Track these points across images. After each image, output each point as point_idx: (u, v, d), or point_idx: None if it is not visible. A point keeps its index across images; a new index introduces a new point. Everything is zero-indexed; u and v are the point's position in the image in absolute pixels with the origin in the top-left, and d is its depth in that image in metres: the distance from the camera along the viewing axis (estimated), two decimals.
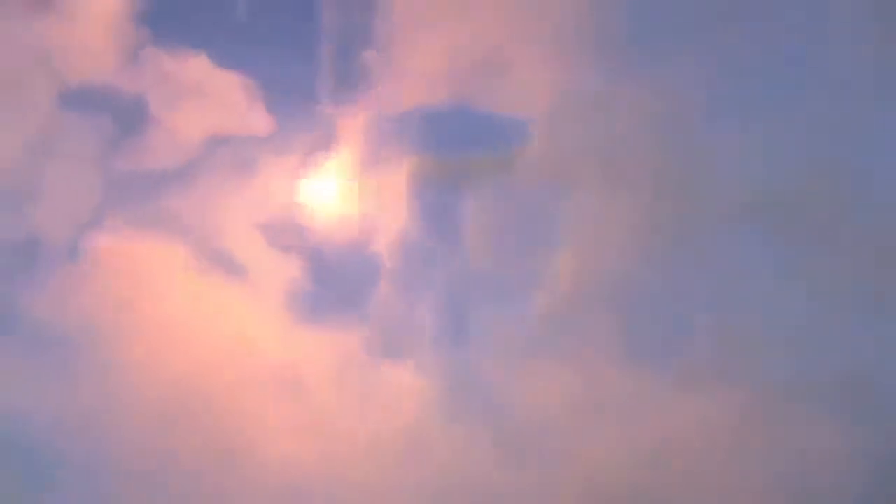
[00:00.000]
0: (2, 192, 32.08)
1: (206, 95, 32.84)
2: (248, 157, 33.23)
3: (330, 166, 33.40)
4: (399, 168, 33.16)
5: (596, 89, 32.57)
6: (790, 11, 32.35)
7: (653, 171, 32.39)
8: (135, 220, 32.64)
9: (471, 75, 32.93)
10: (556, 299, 32.08)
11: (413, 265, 32.93)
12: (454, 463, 31.41)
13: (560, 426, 31.37)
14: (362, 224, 33.40)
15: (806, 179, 31.75)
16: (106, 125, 32.64)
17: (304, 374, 32.40)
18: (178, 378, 31.70)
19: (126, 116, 32.66)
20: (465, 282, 32.82)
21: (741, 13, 32.54)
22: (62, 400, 31.32)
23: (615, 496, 30.64)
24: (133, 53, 32.39)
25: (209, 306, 32.54)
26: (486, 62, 32.91)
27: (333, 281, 33.30)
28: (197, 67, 32.78)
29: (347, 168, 33.33)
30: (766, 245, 32.04)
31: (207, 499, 31.17)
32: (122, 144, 32.72)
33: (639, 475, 30.67)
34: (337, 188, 33.49)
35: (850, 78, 32.07)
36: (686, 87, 32.21)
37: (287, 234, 33.44)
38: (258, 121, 33.02)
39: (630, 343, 31.72)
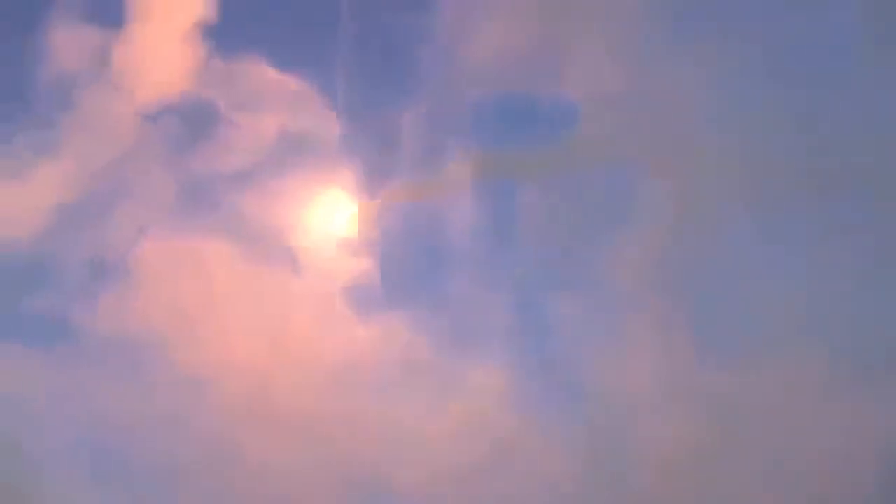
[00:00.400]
0: (76, 208, 33.24)
1: (272, 100, 33.79)
2: (313, 157, 34.07)
3: (393, 164, 34.05)
4: (462, 162, 33.70)
5: (646, 75, 33.00)
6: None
7: (710, 154, 32.61)
8: (202, 224, 33.61)
9: (525, 66, 33.48)
10: (623, 286, 32.40)
11: (480, 258, 33.30)
12: (533, 454, 31.78)
13: (633, 411, 31.66)
14: (428, 220, 34.01)
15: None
16: (177, 135, 33.83)
17: (371, 370, 32.92)
18: (246, 376, 32.36)
19: (195, 125, 33.80)
20: (531, 272, 33.19)
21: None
22: (133, 403, 32.14)
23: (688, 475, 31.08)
24: (202, 66, 33.44)
25: (275, 305, 33.26)
26: (539, 53, 33.48)
27: (401, 277, 33.76)
28: (262, 74, 33.75)
29: (410, 165, 33.93)
30: (826, 227, 32.29)
31: (274, 492, 31.78)
32: (192, 152, 33.76)
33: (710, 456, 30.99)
34: (401, 185, 34.08)
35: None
36: (728, 69, 32.66)
37: (352, 232, 34.16)
38: (323, 122, 33.83)
39: (697, 325, 31.94)
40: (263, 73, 33.64)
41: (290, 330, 33.00)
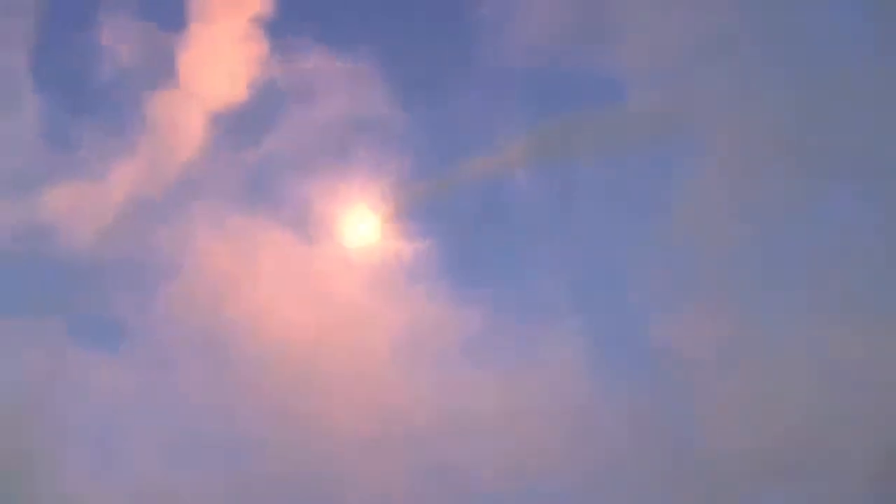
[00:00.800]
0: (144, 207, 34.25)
1: (331, 86, 34.58)
2: (373, 139, 34.78)
3: (450, 143, 34.74)
4: (517, 139, 34.23)
5: (699, 43, 33.14)
6: None
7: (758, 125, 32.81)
8: (265, 214, 34.51)
9: (574, 39, 33.87)
10: (685, 252, 32.43)
11: (540, 231, 33.76)
12: (600, 420, 31.85)
13: (700, 373, 31.53)
14: (484, 197, 34.58)
15: None
16: (242, 130, 34.65)
17: (438, 345, 33.31)
18: (309, 353, 33.03)
19: (259, 118, 34.61)
20: (591, 244, 33.61)
21: None
22: (208, 387, 32.92)
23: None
24: (263, 60, 34.53)
25: (337, 286, 34.09)
26: (587, 24, 33.92)
27: (461, 253, 34.32)
28: (320, 61, 34.65)
29: (466, 144, 34.57)
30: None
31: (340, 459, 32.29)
32: (257, 145, 34.71)
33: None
34: (458, 164, 34.75)
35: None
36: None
37: (411, 211, 34.83)
38: (381, 104, 34.57)
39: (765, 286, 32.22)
40: (322, 61, 34.57)
41: (353, 307, 33.76)
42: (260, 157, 34.49)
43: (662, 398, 31.77)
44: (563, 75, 34.49)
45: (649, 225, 32.86)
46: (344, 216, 34.50)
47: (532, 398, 32.20)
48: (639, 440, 31.53)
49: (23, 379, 32.24)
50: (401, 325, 33.35)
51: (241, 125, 34.31)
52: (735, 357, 31.68)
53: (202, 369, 33.02)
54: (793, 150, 32.41)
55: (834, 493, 29.63)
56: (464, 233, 34.18)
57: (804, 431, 30.34)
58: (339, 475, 32.17)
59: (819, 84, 32.37)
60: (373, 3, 35.24)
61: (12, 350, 32.26)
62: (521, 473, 31.70)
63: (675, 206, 32.89)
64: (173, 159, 33.98)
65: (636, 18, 33.54)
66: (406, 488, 31.92)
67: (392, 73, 34.30)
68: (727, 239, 32.35)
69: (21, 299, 32.75)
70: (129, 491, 31.77)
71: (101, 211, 33.64)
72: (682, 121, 33.35)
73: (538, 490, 31.60)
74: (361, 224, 34.50)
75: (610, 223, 33.49)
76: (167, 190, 33.95)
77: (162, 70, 34.09)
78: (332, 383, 32.71)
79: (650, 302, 32.25)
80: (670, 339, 31.77)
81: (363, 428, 32.24)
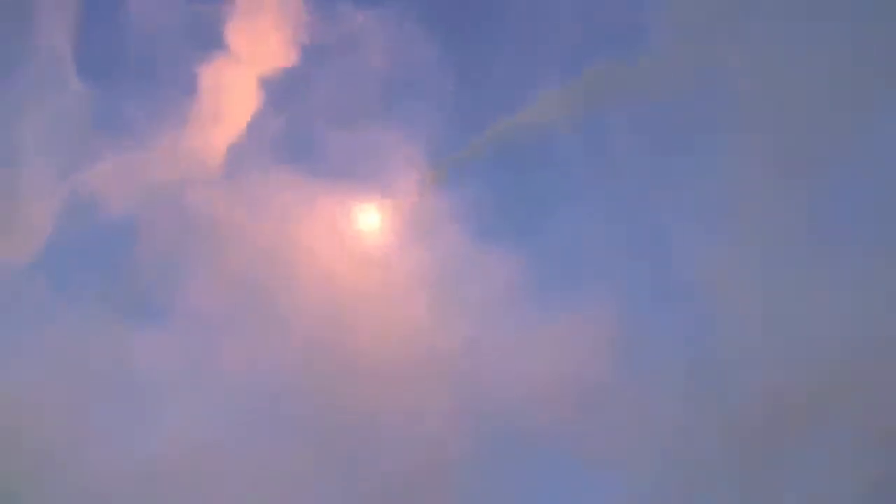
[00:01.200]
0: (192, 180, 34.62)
1: (370, 47, 34.92)
2: (411, 98, 35.15)
3: (489, 97, 35.02)
4: (555, 93, 34.28)
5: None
6: None
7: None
8: (304, 173, 35.07)
9: None
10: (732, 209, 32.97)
11: (579, 187, 34.29)
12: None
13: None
14: (525, 152, 35.09)
15: None
16: (287, 97, 35.09)
17: (470, 294, 34.35)
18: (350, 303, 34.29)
19: (302, 84, 34.92)
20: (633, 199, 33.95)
21: None
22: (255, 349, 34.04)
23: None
24: (302, 24, 34.77)
25: (378, 244, 35.19)
26: None
27: (502, 210, 34.94)
28: (356, 20, 35.04)
29: (507, 97, 34.69)
30: None
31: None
32: (301, 108, 35.12)
33: None
34: (498, 119, 34.98)
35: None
36: None
37: (450, 166, 35.33)
38: (418, 63, 34.90)
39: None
40: (361, 19, 34.96)
41: (394, 262, 34.87)
42: (303, 117, 35.02)
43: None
44: (601, 24, 34.39)
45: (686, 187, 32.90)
46: (385, 172, 35.21)
47: (560, 341, 33.09)
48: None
49: (76, 356, 33.57)
50: (437, 276, 34.33)
51: (287, 89, 34.80)
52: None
53: (249, 325, 34.34)
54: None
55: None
56: (503, 186, 34.89)
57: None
58: (376, 408, 33.71)
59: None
60: None
61: (61, 328, 33.60)
62: (545, 405, 32.99)
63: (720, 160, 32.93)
64: (223, 128, 34.48)
65: None
66: (436, 418, 33.45)
67: (432, 29, 34.62)
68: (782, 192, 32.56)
69: (71, 277, 34.03)
70: (187, 438, 33.27)
71: (151, 184, 34.45)
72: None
73: (563, 424, 32.97)
74: (403, 180, 35.22)
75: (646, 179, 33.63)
76: (219, 158, 34.51)
77: (208, 39, 34.37)
78: (369, 327, 33.99)
79: (685, 262, 32.75)
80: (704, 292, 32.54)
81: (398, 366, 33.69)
